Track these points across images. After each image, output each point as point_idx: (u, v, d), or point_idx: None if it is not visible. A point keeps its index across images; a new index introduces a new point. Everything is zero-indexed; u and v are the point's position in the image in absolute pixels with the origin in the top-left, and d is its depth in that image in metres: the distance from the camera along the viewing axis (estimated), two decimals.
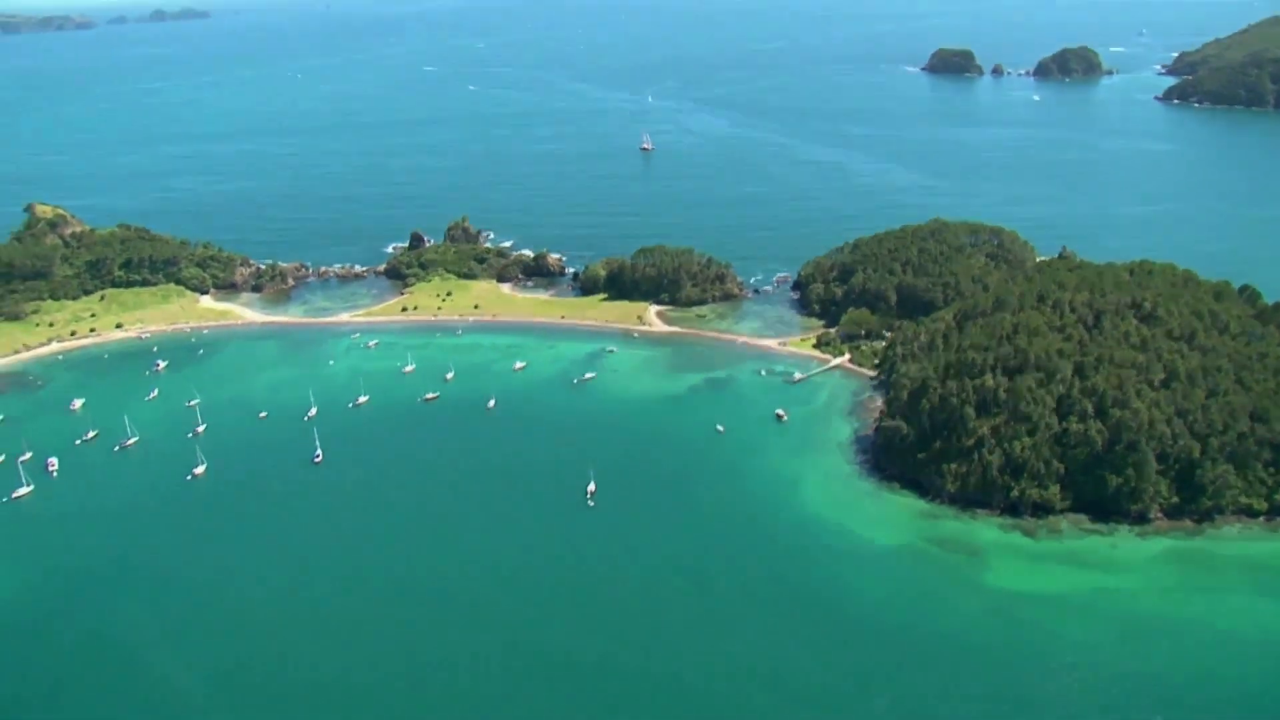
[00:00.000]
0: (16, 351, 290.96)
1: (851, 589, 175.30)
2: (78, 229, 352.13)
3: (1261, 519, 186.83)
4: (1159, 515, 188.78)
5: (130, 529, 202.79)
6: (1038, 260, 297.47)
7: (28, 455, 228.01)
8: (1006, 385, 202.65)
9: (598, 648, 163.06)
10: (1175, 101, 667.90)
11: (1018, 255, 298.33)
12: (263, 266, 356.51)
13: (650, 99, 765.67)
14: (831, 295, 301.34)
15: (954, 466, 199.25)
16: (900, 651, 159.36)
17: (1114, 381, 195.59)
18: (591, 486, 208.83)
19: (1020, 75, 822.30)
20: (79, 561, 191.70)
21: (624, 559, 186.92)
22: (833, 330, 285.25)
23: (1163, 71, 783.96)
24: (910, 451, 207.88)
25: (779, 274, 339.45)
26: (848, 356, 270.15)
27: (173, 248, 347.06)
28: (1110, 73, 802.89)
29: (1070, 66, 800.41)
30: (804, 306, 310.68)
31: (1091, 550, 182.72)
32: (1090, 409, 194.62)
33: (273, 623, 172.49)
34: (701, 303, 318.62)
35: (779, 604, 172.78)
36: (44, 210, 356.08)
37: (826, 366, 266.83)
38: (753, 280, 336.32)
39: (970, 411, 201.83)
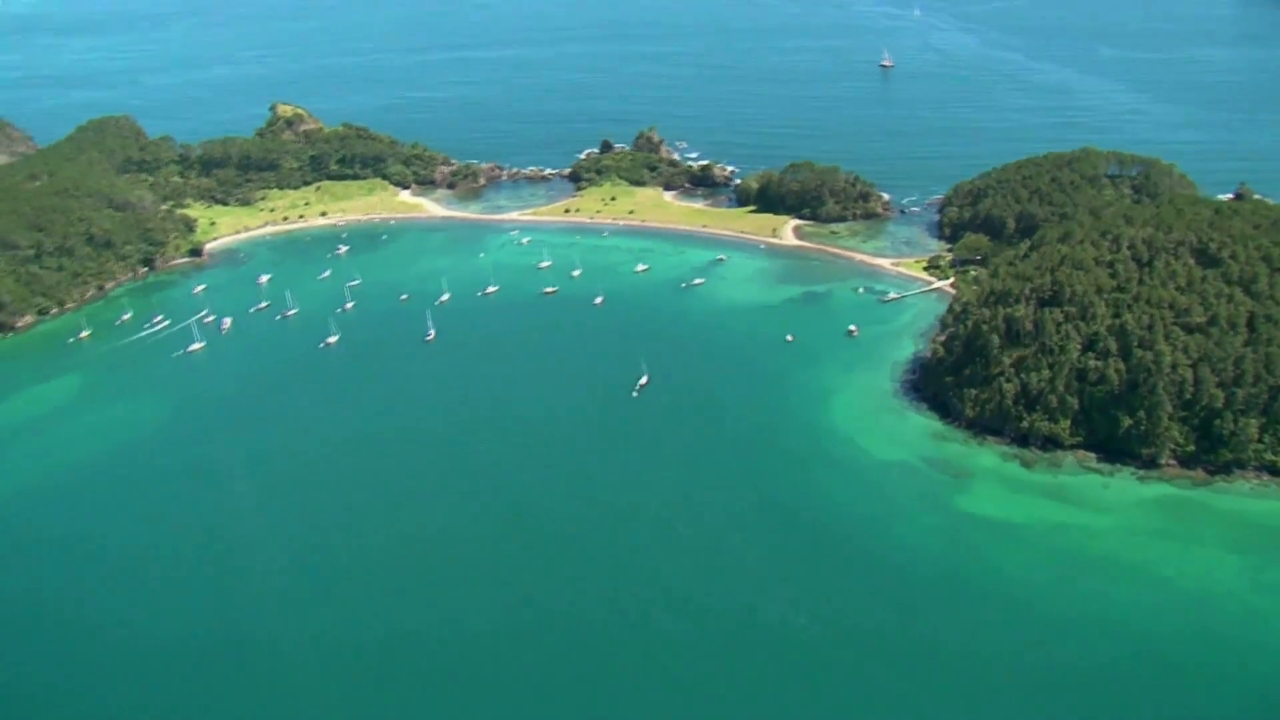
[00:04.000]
0: (237, 232, 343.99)
1: (822, 490, 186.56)
2: (311, 127, 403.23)
3: None
4: (1171, 462, 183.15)
5: (261, 381, 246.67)
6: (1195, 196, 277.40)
7: (210, 318, 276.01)
8: (1034, 317, 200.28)
9: (577, 510, 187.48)
10: None
11: (1169, 189, 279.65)
12: (460, 165, 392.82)
13: (917, 12, 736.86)
14: (962, 219, 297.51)
15: (974, 392, 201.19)
16: (831, 551, 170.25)
17: (1144, 321, 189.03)
18: (643, 380, 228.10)
19: None
20: (211, 402, 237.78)
21: (639, 444, 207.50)
22: (948, 254, 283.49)
23: None
24: (944, 374, 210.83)
25: (933, 195, 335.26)
26: (951, 280, 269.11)
27: (382, 146, 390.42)
28: None
29: None
30: (939, 229, 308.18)
31: (1080, 488, 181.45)
32: (1114, 347, 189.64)
33: (328, 452, 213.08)
34: (841, 220, 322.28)
35: (746, 491, 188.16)
36: (285, 109, 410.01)
37: (926, 288, 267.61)
38: (904, 201, 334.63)
39: (996, 339, 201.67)
